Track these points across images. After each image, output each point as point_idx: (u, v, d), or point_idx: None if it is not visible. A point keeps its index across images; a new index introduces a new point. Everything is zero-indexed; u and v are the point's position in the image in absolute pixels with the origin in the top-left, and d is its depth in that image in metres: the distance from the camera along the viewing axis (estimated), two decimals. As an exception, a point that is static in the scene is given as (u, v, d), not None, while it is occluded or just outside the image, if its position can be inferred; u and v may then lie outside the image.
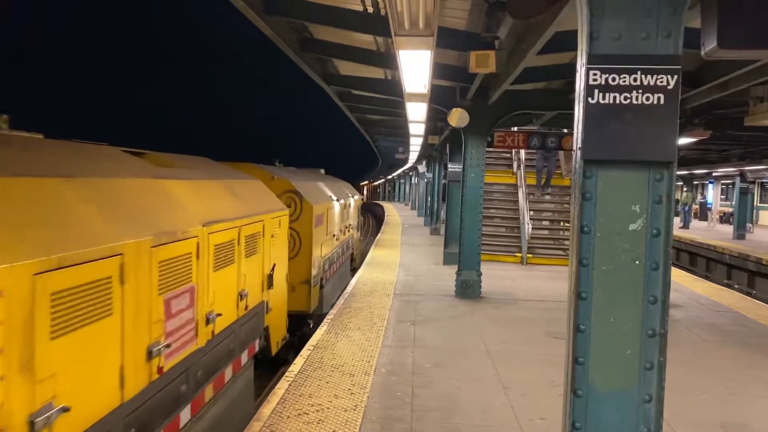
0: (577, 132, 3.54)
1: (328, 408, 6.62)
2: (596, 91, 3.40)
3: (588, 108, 3.41)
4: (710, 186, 44.04)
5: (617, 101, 3.39)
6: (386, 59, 11.38)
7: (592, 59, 3.41)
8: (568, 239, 18.92)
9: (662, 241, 3.44)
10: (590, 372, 3.50)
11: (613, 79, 3.40)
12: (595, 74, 3.40)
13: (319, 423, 6.21)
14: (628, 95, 3.38)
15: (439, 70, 10.66)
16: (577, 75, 3.56)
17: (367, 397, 6.96)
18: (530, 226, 18.20)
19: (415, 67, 7.27)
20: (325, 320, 10.61)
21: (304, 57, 11.60)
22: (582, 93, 3.45)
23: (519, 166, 20.88)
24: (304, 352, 8.65)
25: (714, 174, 36.15)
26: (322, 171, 16.81)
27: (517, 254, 18.47)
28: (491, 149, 15.97)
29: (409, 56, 6.72)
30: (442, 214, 26.93)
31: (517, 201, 20.24)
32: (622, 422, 3.47)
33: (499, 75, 10.04)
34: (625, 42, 3.41)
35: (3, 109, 4.14)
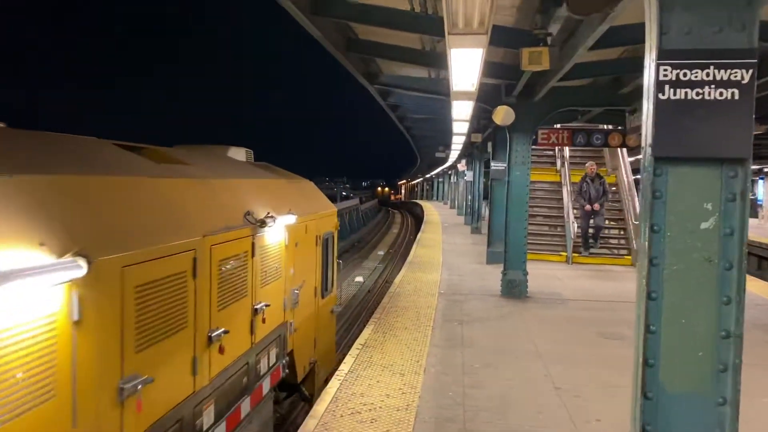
0: (646, 129, 3.46)
1: (380, 407, 6.63)
2: (667, 86, 3.33)
3: (658, 104, 3.33)
4: (761, 182, 42.72)
5: (689, 97, 3.31)
6: (431, 58, 11.36)
7: (663, 54, 3.34)
8: (615, 238, 18.62)
9: (736, 241, 3.34)
10: (661, 374, 3.42)
11: (684, 75, 3.32)
12: (665, 69, 3.33)
13: (372, 422, 6.23)
14: (700, 91, 3.30)
15: (485, 67, 10.58)
16: (646, 71, 3.49)
17: (418, 397, 6.95)
18: (576, 224, 17.92)
19: (465, 66, 7.23)
20: (371, 319, 10.64)
21: (349, 57, 11.65)
22: (652, 89, 3.38)
23: (563, 163, 20.59)
24: (353, 351, 8.69)
25: (765, 170, 35.05)
26: (238, 155, 7.55)
27: (562, 253, 18.20)
28: (533, 147, 15.78)
29: (460, 55, 6.69)
30: (484, 212, 26.75)
31: (561, 199, 19.96)
32: (695, 425, 3.38)
33: (547, 72, 9.91)
34: (696, 36, 3.32)
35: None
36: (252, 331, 5.81)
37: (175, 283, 4.27)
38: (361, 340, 9.24)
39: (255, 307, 5.83)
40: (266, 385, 6.38)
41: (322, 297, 8.84)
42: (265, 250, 6.14)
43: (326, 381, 8.37)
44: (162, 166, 5.04)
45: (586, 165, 17.27)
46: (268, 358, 6.41)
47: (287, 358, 7.13)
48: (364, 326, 10.62)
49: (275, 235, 6.40)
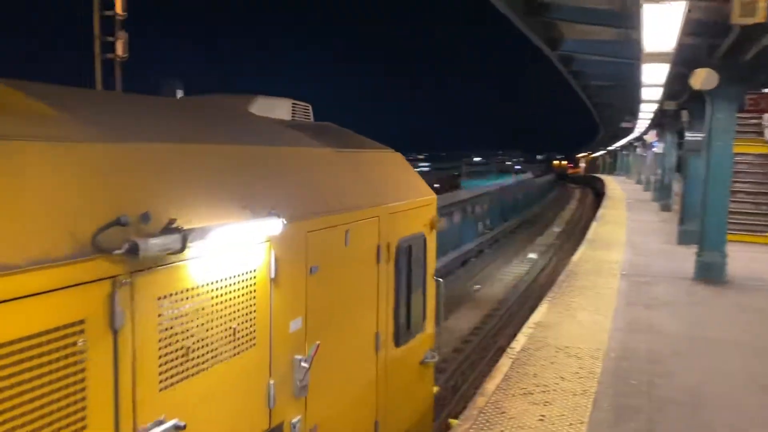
0: None
1: (554, 390, 6.31)
2: None
3: None
4: None
5: None
6: (622, 18, 10.43)
7: None
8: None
9: None
10: None
11: None
12: None
13: (545, 404, 5.95)
14: None
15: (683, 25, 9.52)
16: None
17: (597, 383, 6.52)
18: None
19: (662, 22, 6.48)
20: (545, 298, 10.22)
21: (529, 22, 11.11)
22: None
23: (773, 133, 18.15)
24: (526, 329, 8.39)
25: None
26: (275, 110, 5.22)
27: (768, 234, 16.16)
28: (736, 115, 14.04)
29: (655, 10, 6.00)
30: (675, 188, 24.66)
31: (768, 174, 17.64)
32: None
33: (760, 26, 8.65)
34: None
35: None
36: None
37: None
38: (534, 318, 8.91)
39: None
40: None
41: (397, 344, 5.35)
42: (178, 305, 2.86)
43: None
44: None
45: None
46: None
47: None
48: (537, 305, 10.25)
49: (221, 265, 3.15)
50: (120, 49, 9.97)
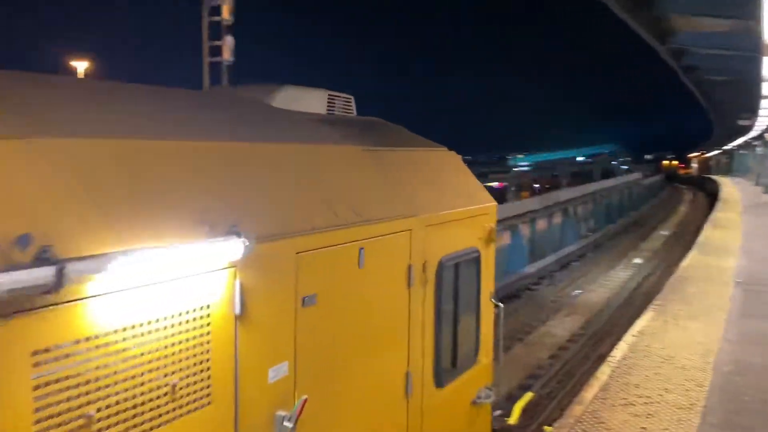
0: None
1: (657, 402, 6.01)
2: None
3: None
4: None
5: None
6: (739, 8, 9.75)
7: None
8: None
9: None
10: None
11: None
12: None
13: (648, 417, 5.66)
14: None
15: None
16: None
17: (704, 397, 6.13)
18: None
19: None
20: (650, 306, 9.72)
21: (636, 15, 10.58)
22: None
23: None
24: (628, 338, 8.02)
25: None
26: (303, 103, 4.30)
27: None
28: None
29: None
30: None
31: None
32: None
33: None
34: None
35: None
36: None
37: None
38: (637, 327, 8.51)
39: None
40: None
41: (439, 384, 4.27)
42: (71, 360, 2.06)
43: None
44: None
45: None
46: None
47: None
48: (641, 312, 9.77)
49: (151, 301, 2.32)
50: (226, 53, 10.44)
